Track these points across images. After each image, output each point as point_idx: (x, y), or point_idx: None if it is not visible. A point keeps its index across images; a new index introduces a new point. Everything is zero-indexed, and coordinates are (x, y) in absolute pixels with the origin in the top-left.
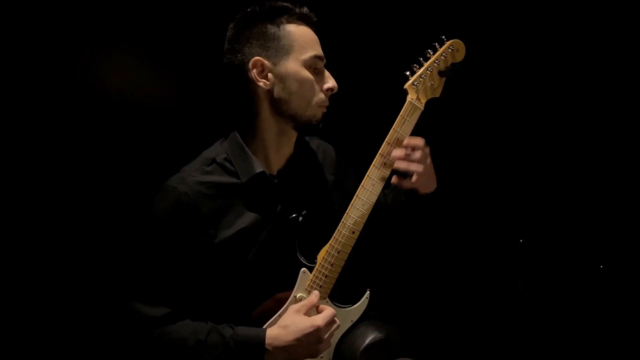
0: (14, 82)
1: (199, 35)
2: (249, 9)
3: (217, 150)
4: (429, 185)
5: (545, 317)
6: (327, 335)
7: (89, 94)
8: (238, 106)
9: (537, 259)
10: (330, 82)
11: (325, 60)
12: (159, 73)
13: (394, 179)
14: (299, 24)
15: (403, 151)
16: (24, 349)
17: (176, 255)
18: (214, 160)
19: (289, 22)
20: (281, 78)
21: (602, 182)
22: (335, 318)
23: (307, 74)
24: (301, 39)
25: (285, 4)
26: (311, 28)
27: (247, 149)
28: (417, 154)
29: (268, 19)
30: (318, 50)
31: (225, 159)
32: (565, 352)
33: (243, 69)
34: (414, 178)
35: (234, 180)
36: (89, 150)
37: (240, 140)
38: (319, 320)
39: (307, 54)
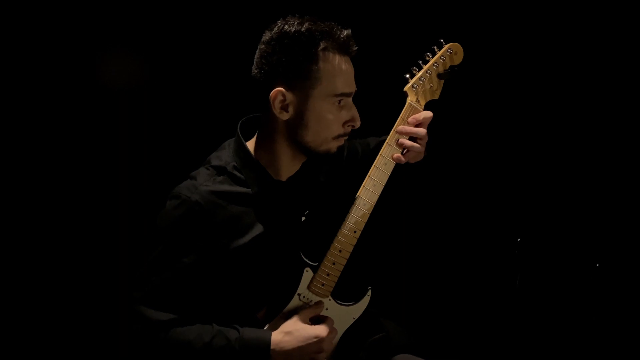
0: (21, 86)
1: (209, 34)
2: (286, 26)
3: (226, 158)
4: (419, 157)
5: (542, 314)
6: (327, 344)
7: (100, 93)
8: (256, 118)
9: (534, 257)
10: (354, 120)
11: (354, 92)
12: (164, 73)
13: (395, 156)
14: (335, 59)
15: (412, 129)
16: (28, 349)
17: (186, 263)
18: (224, 170)
19: (323, 57)
20: (300, 113)
21: (599, 182)
22: (335, 326)
23: (329, 112)
24: (331, 77)
25: (326, 26)
26: (349, 56)
27: (258, 161)
28: (422, 132)
29: (302, 48)
30: (346, 88)
31: (234, 167)
32: (563, 350)
33: (265, 90)
34: (410, 154)
35: (245, 189)
36: (95, 151)
37: (248, 149)
38: (323, 331)
39: (334, 92)
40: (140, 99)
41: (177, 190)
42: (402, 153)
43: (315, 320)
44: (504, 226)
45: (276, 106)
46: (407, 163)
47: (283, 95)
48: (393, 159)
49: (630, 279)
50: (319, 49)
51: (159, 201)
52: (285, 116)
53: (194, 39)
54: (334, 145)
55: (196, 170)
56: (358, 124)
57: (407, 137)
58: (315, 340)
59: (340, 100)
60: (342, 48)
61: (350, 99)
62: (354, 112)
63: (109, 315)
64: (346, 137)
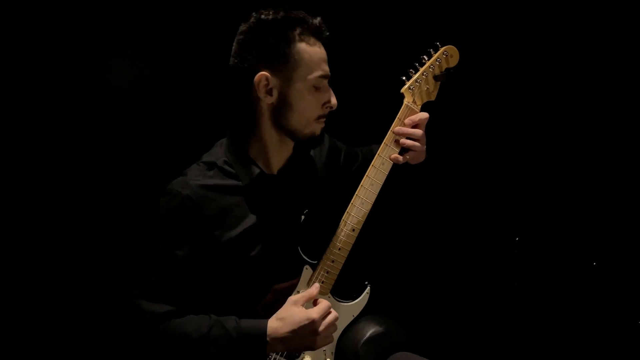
0: (21, 87)
1: (203, 34)
2: (262, 16)
3: (217, 154)
4: (419, 158)
5: (540, 312)
6: (322, 327)
7: (93, 95)
8: (240, 110)
9: (532, 255)
10: (331, 100)
11: (329, 77)
12: (161, 73)
13: (393, 156)
14: (310, 41)
15: (408, 130)
16: (28, 349)
17: (180, 256)
18: (215, 165)
19: (300, 40)
20: (284, 96)
21: (595, 182)
22: (332, 309)
23: (309, 93)
24: (309, 59)
25: (299, 14)
26: (322, 42)
27: (247, 153)
28: (419, 133)
29: (280, 32)
30: (324, 70)
31: (225, 162)
32: (561, 347)
33: (248, 78)
34: (410, 155)
35: (235, 182)
36: (95, 151)
37: (240, 144)
38: (313, 313)
39: (313, 74)
40: (140, 99)
41: (169, 187)
42: (399, 154)
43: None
44: (502, 225)
45: (261, 90)
46: (406, 163)
47: (267, 79)
48: (391, 159)
49: (626, 277)
50: (296, 32)
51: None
52: (269, 100)
53: (193, 39)
54: (317, 128)
55: (188, 168)
56: (335, 104)
57: (404, 138)
58: (306, 322)
59: (319, 82)
60: (316, 33)
61: (326, 82)
62: (331, 94)
63: (109, 315)
64: (324, 119)
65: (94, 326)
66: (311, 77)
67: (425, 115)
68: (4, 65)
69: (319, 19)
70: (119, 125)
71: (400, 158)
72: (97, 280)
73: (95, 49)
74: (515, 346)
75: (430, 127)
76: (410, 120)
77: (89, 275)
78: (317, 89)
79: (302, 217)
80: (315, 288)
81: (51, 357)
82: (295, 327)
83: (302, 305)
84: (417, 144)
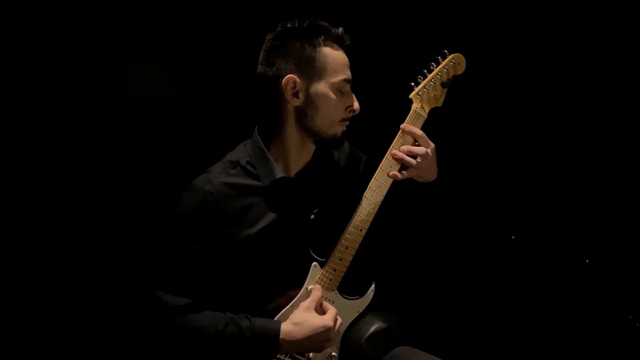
0: (22, 88)
1: (228, 40)
2: (288, 24)
3: (240, 153)
4: (426, 177)
5: (535, 308)
6: (334, 334)
7: (119, 97)
8: (265, 113)
9: (528, 254)
10: (354, 104)
11: (352, 82)
12: (185, 76)
13: (391, 173)
14: (334, 47)
15: (408, 147)
16: (28, 349)
17: (199, 250)
18: (238, 164)
19: (325, 45)
20: (310, 97)
21: (589, 182)
22: (338, 316)
23: (334, 95)
24: (334, 63)
25: (323, 23)
26: (343, 50)
27: (268, 154)
28: (419, 150)
29: (306, 38)
30: (347, 74)
31: (247, 162)
32: (556, 343)
33: (276, 82)
34: (410, 172)
35: (256, 182)
36: (96, 152)
37: (263, 145)
38: (330, 321)
39: (338, 78)
40: (141, 99)
41: (193, 183)
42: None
43: (320, 311)
44: (499, 225)
45: (288, 92)
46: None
47: (294, 82)
48: (389, 175)
49: (619, 275)
50: (321, 39)
51: (160, 200)
52: (296, 102)
53: (202, 42)
54: (339, 130)
55: (213, 165)
56: (358, 108)
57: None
58: (323, 329)
59: (343, 86)
60: (338, 40)
61: (349, 87)
62: (354, 98)
63: (109, 314)
64: (348, 123)
65: (94, 325)
66: (336, 80)
67: (423, 139)
68: (9, 67)
69: (341, 28)
70: (121, 127)
71: (399, 175)
72: (98, 278)
73: (116, 52)
74: (512, 342)
75: (435, 131)
76: (411, 132)
77: (89, 273)
78: (340, 92)
79: (312, 216)
80: (317, 290)
81: (51, 357)
82: (311, 333)
83: (314, 310)
84: (412, 161)
